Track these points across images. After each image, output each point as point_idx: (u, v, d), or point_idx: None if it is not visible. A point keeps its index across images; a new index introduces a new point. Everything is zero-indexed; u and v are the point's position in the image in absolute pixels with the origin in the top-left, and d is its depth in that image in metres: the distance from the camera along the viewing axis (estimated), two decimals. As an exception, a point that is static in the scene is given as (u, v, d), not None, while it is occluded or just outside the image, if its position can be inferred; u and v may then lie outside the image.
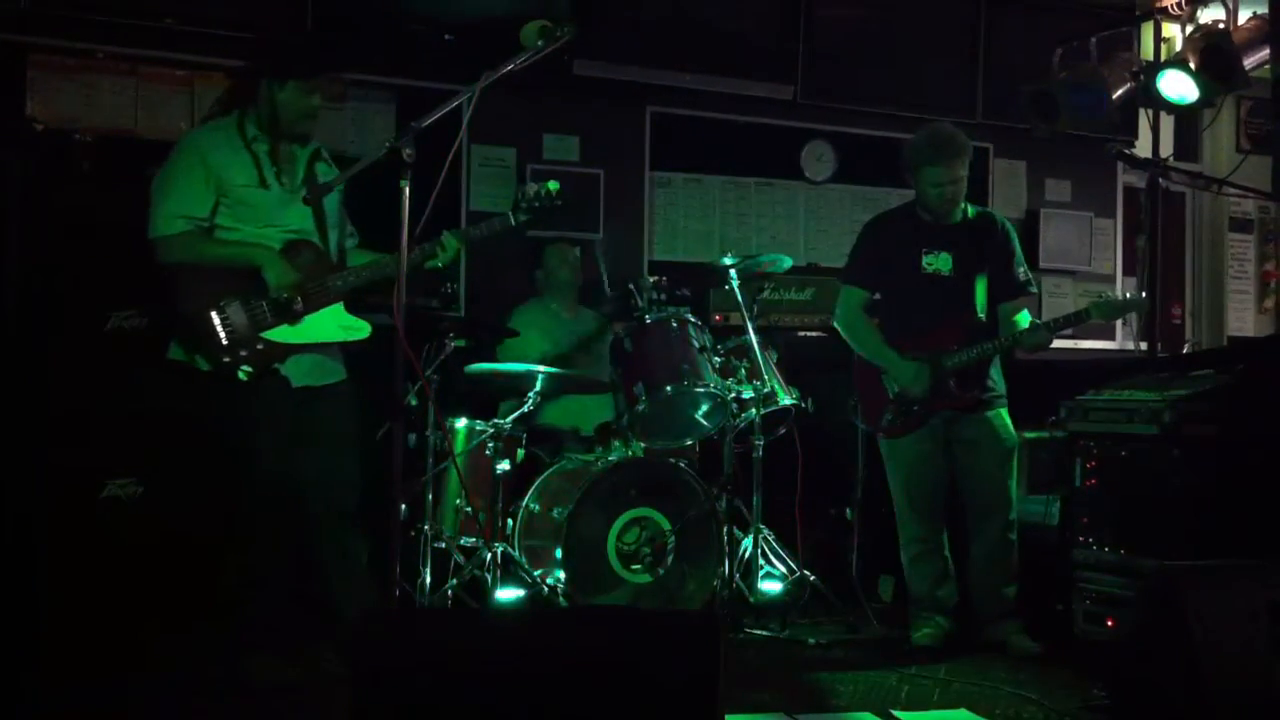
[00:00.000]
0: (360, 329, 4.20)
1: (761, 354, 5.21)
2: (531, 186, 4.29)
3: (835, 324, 5.14)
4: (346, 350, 4.25)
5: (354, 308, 4.21)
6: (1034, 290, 5.14)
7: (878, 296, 5.08)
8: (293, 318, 4.03)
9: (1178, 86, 6.19)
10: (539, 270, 6.02)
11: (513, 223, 4.29)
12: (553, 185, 4.29)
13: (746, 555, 5.22)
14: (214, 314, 3.93)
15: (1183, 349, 8.10)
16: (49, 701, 3.86)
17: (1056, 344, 5.04)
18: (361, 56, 5.77)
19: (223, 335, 3.94)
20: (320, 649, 4.08)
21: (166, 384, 4.17)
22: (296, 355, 4.06)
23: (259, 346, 3.98)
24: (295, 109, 4.09)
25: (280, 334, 4.02)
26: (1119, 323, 7.63)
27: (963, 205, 5.01)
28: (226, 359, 3.93)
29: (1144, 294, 5.16)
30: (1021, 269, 5.08)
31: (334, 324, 4.13)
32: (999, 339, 4.89)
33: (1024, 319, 4.99)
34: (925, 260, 4.96)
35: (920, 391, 4.86)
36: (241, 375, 3.94)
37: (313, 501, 4.13)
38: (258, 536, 4.06)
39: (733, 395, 5.09)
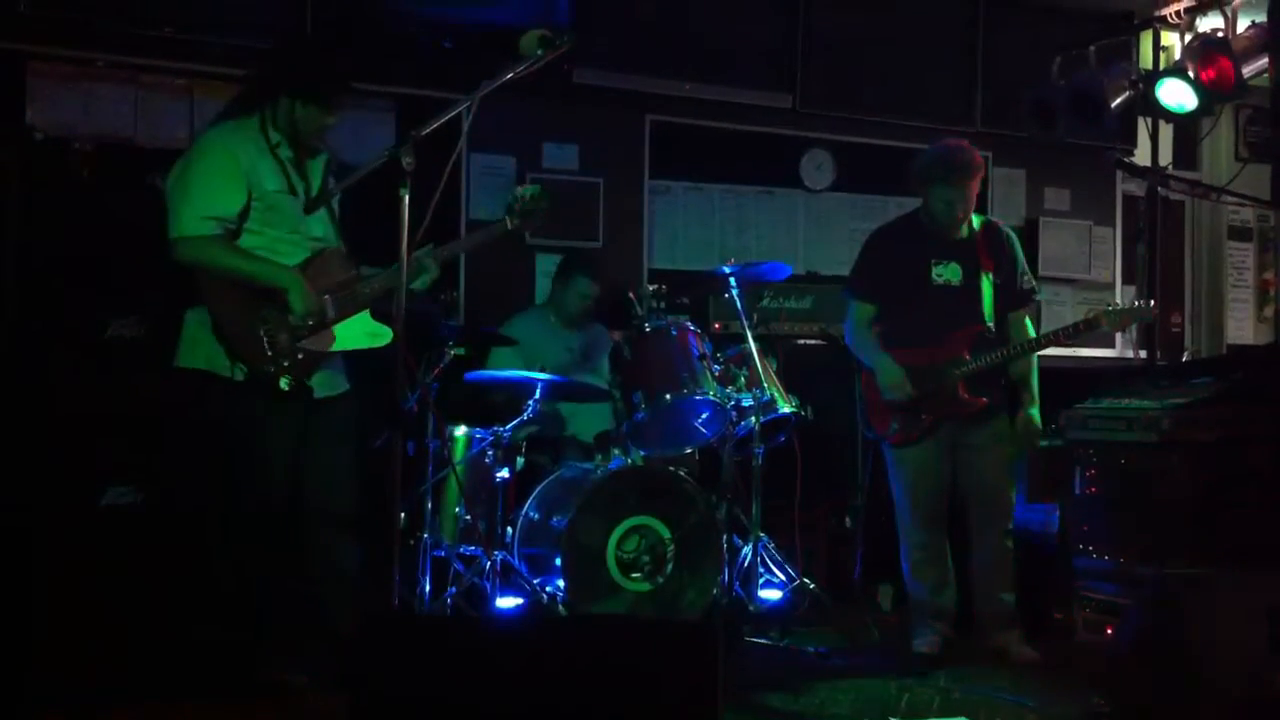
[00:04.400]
0: (384, 334, 4.21)
1: (760, 362, 5.22)
2: (517, 190, 4.36)
3: (846, 340, 5.15)
4: (348, 359, 4.25)
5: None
6: (1039, 297, 5.14)
7: (882, 307, 5.08)
8: (325, 326, 4.03)
9: (1177, 95, 6.20)
10: (557, 285, 5.94)
11: (509, 228, 4.38)
12: (531, 190, 4.35)
13: (746, 563, 5.21)
14: (259, 324, 3.92)
15: (1182, 357, 8.10)
16: (48, 708, 3.85)
17: (1055, 352, 5.06)
18: (368, 67, 5.72)
19: (266, 345, 3.92)
20: (317, 656, 4.08)
21: (167, 391, 4.17)
22: (323, 366, 4.07)
23: (299, 356, 3.99)
24: (312, 124, 4.10)
25: (315, 342, 4.02)
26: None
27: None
28: (270, 369, 3.92)
29: (1151, 302, 5.15)
30: (1026, 277, 5.09)
31: (361, 330, 4.14)
32: (1008, 347, 4.90)
33: (1028, 329, 5.02)
34: (935, 271, 4.97)
35: (901, 396, 4.86)
36: (284, 385, 3.93)
37: (310, 510, 4.13)
38: (258, 544, 4.06)
39: (732, 403, 5.08)
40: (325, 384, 4.12)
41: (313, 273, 4.06)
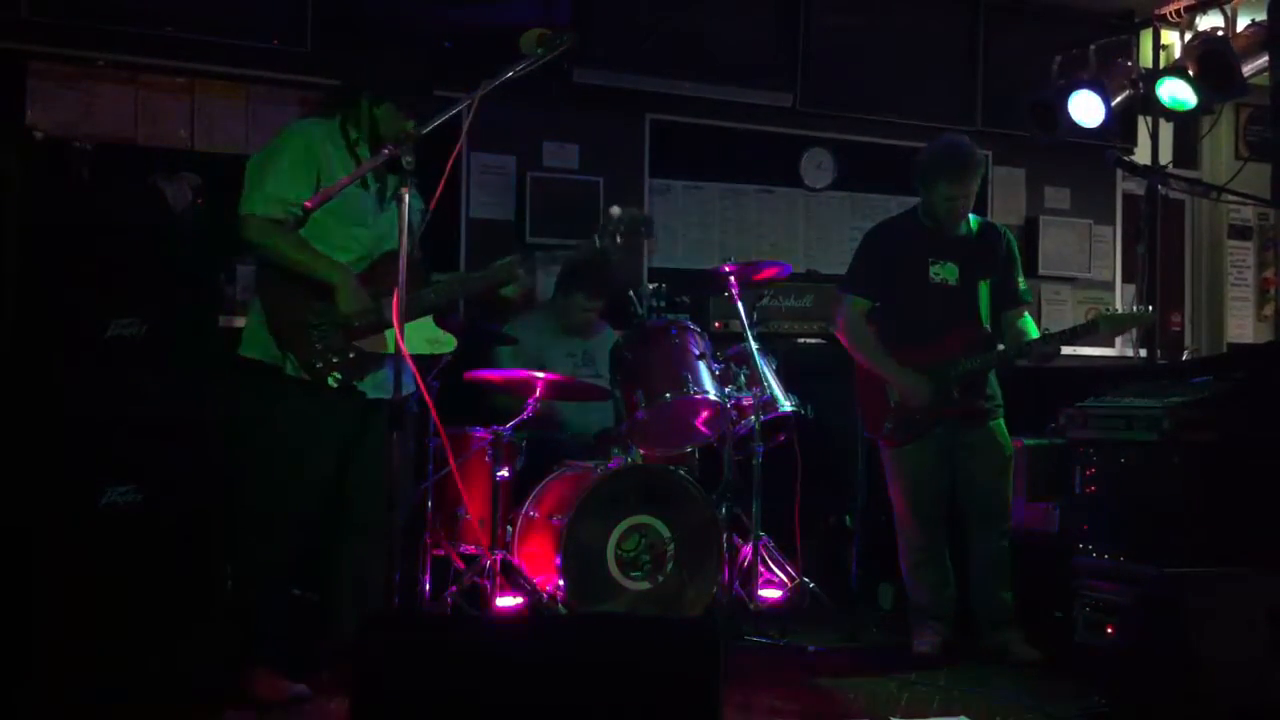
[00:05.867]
0: (447, 343, 4.22)
1: (761, 361, 5.22)
2: (613, 211, 4.27)
3: (838, 333, 5.14)
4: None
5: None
6: (1030, 300, 5.15)
7: (877, 304, 5.08)
8: (381, 328, 4.02)
9: (1177, 93, 6.20)
10: (558, 295, 5.85)
11: (597, 247, 4.29)
12: (630, 214, 4.25)
13: (746, 563, 5.21)
14: (310, 317, 3.94)
15: (1182, 356, 8.10)
16: (48, 708, 3.85)
17: (1054, 350, 5.04)
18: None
19: (315, 339, 3.93)
20: (321, 658, 4.08)
21: (168, 390, 4.17)
22: (376, 368, 4.07)
23: (350, 355, 3.99)
24: (390, 126, 4.09)
25: (371, 343, 4.02)
26: (1119, 331, 7.64)
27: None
28: (319, 364, 3.93)
29: (1150, 308, 5.16)
30: (1020, 279, 5.09)
31: (421, 337, 4.12)
32: (1004, 347, 4.90)
33: (1031, 328, 5.01)
34: (933, 269, 4.97)
35: (920, 402, 4.86)
36: (331, 382, 3.94)
37: (345, 513, 4.12)
38: (272, 543, 4.05)
39: (732, 402, 5.09)
40: (379, 386, 4.08)
41: (376, 273, 4.06)
